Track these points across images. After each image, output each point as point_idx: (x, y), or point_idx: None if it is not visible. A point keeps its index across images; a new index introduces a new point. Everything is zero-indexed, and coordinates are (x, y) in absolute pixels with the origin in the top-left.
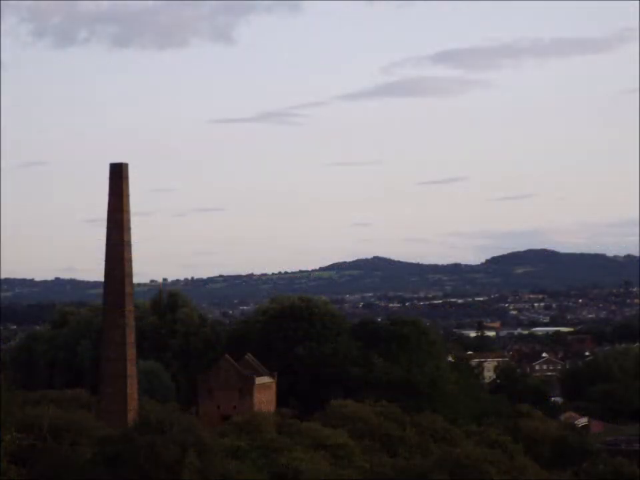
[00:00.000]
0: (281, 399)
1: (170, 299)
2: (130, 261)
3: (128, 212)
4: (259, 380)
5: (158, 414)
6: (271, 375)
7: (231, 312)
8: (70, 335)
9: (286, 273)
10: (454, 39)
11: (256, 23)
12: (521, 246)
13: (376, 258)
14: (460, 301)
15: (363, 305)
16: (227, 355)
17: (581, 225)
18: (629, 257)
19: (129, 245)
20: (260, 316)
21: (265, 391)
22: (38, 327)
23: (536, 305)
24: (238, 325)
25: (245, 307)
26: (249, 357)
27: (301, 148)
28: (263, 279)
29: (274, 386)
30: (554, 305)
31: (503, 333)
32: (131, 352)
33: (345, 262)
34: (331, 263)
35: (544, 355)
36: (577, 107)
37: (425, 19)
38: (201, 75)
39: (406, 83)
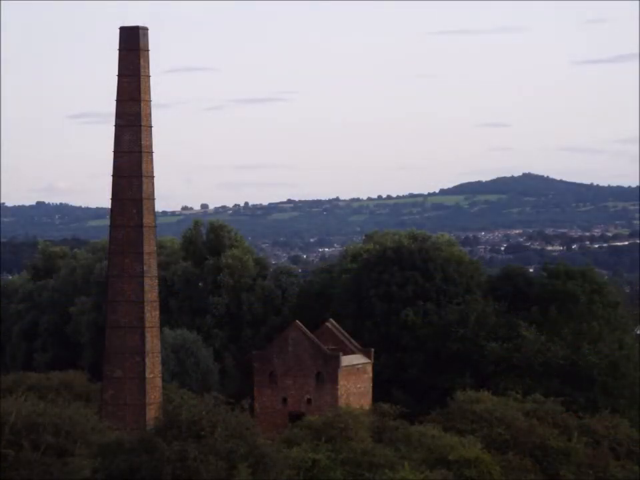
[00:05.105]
0: (380, 389)
1: (211, 236)
2: (151, 176)
3: (148, 101)
4: (347, 360)
5: (192, 410)
6: (365, 353)
7: (304, 256)
8: (59, 289)
9: (389, 197)
10: None
11: None
12: None
13: (526, 176)
14: None
15: (506, 248)
16: (297, 322)
17: None
18: None
19: (150, 153)
20: (349, 263)
21: (355, 376)
22: (11, 277)
23: None
24: (315, 275)
25: (325, 249)
26: (331, 324)
27: None
28: (354, 206)
29: (369, 369)
30: None
31: None
32: (152, 316)
33: (478, 181)
34: (457, 184)
35: None
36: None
37: None
38: None
39: None
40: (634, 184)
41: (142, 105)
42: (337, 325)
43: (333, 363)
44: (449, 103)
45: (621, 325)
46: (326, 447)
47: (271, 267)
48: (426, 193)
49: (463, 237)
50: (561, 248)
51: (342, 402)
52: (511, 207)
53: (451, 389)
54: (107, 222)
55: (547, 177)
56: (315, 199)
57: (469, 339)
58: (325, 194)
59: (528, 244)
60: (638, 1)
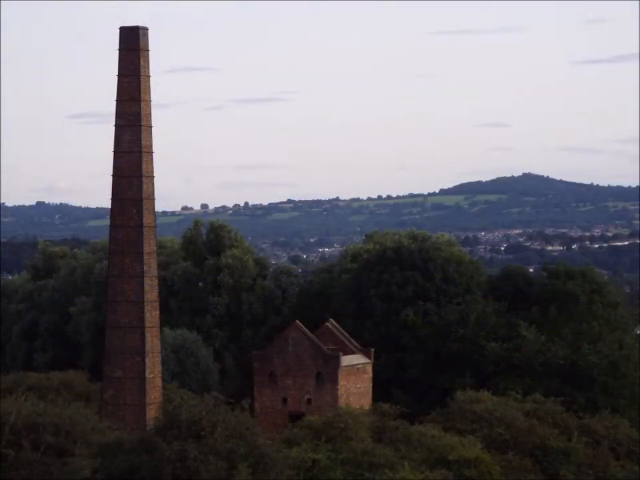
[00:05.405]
0: (380, 389)
1: (211, 236)
2: (151, 176)
3: (148, 101)
4: (347, 359)
5: (192, 410)
6: (365, 353)
7: (304, 256)
8: (59, 289)
9: (389, 197)
10: None
11: None
12: None
13: (526, 176)
14: None
15: (506, 248)
16: (297, 322)
17: None
18: None
19: (150, 153)
20: (349, 263)
21: (355, 376)
22: (11, 277)
23: None
24: (315, 275)
25: (325, 249)
26: (331, 324)
27: None
28: (354, 206)
29: (369, 369)
30: None
31: None
32: (152, 316)
33: (478, 181)
34: (457, 184)
35: None
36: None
37: None
38: None
39: None
40: (634, 184)
41: (142, 104)
42: (337, 325)
43: (332, 363)
44: (449, 102)
45: (621, 325)
46: (326, 447)
47: (271, 267)
48: (426, 192)
49: (463, 237)
50: (561, 248)
51: (342, 402)
52: (511, 207)
53: (451, 389)
54: (106, 222)
55: (547, 176)
56: (315, 198)
57: (469, 338)
58: (325, 194)
59: (528, 244)
60: (638, 1)
